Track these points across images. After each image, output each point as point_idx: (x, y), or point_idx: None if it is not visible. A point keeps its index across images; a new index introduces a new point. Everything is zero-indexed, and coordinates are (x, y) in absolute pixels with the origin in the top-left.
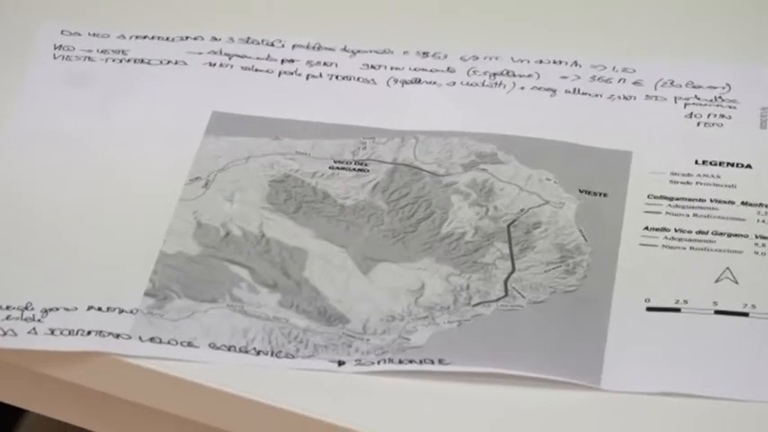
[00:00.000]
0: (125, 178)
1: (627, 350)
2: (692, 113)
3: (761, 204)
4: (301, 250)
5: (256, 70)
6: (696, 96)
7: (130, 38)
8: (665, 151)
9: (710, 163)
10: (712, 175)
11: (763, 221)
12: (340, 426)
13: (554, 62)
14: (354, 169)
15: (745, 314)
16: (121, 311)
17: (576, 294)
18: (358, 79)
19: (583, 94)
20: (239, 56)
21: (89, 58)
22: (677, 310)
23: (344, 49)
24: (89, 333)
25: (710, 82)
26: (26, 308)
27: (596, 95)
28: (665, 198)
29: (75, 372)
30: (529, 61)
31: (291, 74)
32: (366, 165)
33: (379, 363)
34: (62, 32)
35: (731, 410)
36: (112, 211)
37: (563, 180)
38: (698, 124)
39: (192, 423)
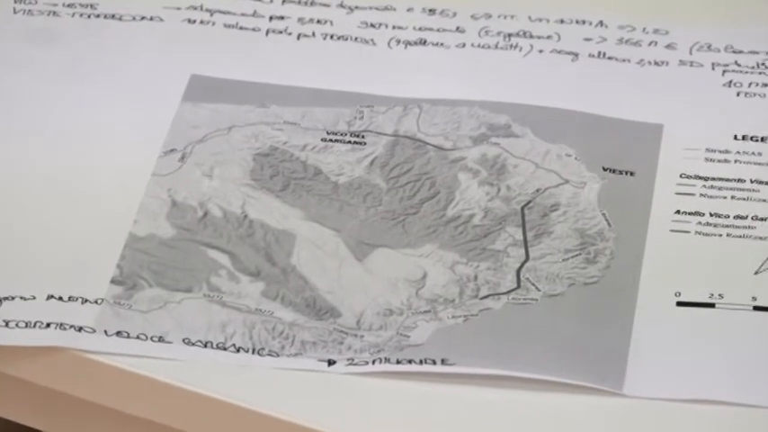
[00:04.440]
0: (91, 149)
1: (653, 351)
2: (731, 82)
3: None
4: (288, 234)
5: (241, 28)
6: (736, 62)
7: None
8: (700, 124)
9: (751, 138)
10: (753, 153)
11: None
12: None
13: (576, 22)
14: (350, 142)
15: None
16: (85, 301)
17: (597, 287)
18: (355, 39)
19: (609, 58)
20: (222, 12)
21: (53, 12)
22: (711, 305)
23: (341, 5)
24: (48, 326)
25: (752, 47)
26: None
27: (624, 60)
28: (700, 178)
29: (31, 369)
30: (548, 21)
31: (280, 33)
32: (363, 137)
33: (374, 362)
34: None
35: None
36: (76, 187)
37: (585, 156)
38: (738, 94)
39: (163, 427)
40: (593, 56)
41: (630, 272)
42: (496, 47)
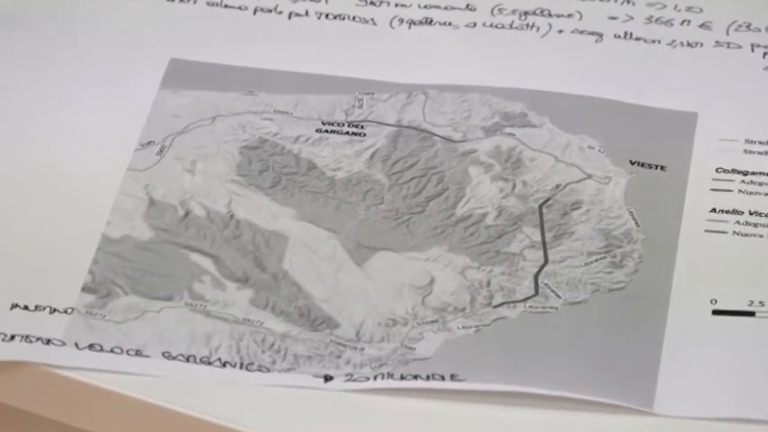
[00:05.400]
0: (59, 142)
1: (687, 364)
2: None
3: None
4: (280, 235)
5: (226, 6)
6: None
7: None
8: (738, 113)
9: None
10: None
11: None
12: None
13: None
14: (348, 133)
15: None
16: (53, 311)
17: (624, 293)
18: (353, 19)
19: (636, 39)
20: None
21: None
22: (751, 314)
23: None
24: (12, 338)
25: None
26: None
27: (653, 41)
28: (738, 172)
29: None
30: None
31: (270, 11)
32: (362, 127)
33: (375, 378)
34: None
35: None
36: (43, 184)
37: (610, 148)
38: None
39: None
40: (619, 36)
41: (661, 277)
42: (511, 26)
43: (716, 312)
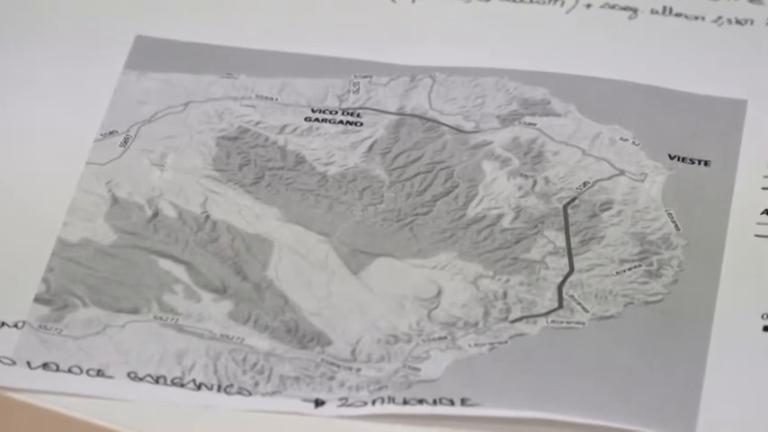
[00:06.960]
0: (7, 132)
1: (733, 388)
2: None
3: None
4: (263, 239)
5: None
6: None
7: None
8: None
9: None
10: None
11: None
12: None
13: None
14: (341, 122)
15: None
16: (1, 325)
17: (661, 306)
18: None
19: (676, 15)
20: None
21: None
22: None
23: None
24: None
25: None
26: None
27: (696, 18)
28: None
29: None
30: None
31: None
32: (359, 115)
33: (374, 403)
34: None
35: None
36: None
37: (646, 141)
38: None
39: None
40: (657, 12)
41: (704, 288)
42: (531, 0)
43: (767, 329)
